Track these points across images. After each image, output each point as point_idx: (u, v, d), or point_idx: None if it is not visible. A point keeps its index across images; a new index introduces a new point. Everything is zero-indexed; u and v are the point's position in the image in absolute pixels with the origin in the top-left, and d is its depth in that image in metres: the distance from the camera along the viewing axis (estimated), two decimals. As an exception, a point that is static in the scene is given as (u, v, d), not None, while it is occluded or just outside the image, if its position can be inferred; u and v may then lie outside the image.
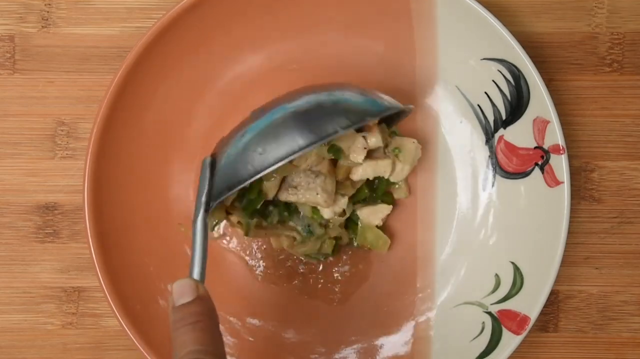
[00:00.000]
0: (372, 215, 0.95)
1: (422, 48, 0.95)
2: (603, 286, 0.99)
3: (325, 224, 0.95)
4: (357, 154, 0.88)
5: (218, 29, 0.94)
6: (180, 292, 0.73)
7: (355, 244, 0.97)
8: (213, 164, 0.79)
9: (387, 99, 0.86)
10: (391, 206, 0.96)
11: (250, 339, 0.96)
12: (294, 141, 0.77)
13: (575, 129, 0.98)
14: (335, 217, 0.93)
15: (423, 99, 0.96)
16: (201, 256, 0.76)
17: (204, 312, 0.72)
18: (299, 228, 0.94)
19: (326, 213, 0.92)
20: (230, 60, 0.96)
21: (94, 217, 0.91)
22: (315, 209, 0.92)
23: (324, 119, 0.79)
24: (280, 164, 0.77)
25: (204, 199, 0.77)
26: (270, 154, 0.77)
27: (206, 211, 0.77)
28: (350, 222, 0.96)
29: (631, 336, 0.99)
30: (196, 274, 0.76)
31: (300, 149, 0.77)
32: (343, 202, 0.92)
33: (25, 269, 0.99)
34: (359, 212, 0.95)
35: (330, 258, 0.97)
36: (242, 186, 0.78)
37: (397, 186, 0.95)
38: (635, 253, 0.99)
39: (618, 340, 0.99)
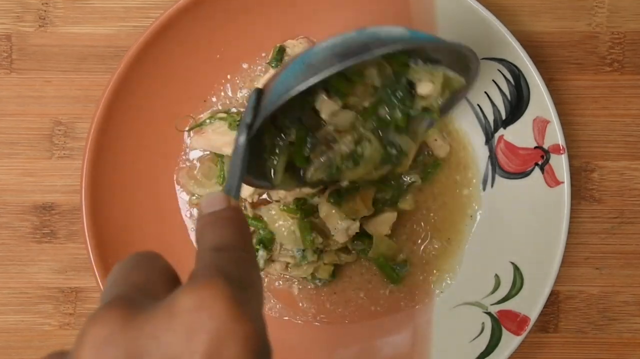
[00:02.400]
0: (380, 225, 0.95)
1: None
2: (603, 287, 0.99)
3: (321, 250, 0.95)
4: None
5: (216, 28, 0.94)
6: (210, 203, 0.63)
7: (367, 255, 0.97)
8: (259, 93, 0.74)
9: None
10: (396, 213, 0.96)
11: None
12: (345, 55, 0.72)
13: (576, 128, 0.98)
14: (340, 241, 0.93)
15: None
16: (239, 175, 0.68)
17: (236, 217, 0.62)
18: (294, 252, 0.94)
19: (340, 237, 0.92)
20: (228, 59, 0.96)
21: (91, 217, 0.90)
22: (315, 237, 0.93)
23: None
24: (328, 73, 0.71)
25: (248, 120, 0.72)
26: (318, 66, 0.72)
27: (249, 130, 0.71)
28: (363, 236, 0.96)
29: (632, 336, 0.99)
30: (230, 192, 0.67)
31: (351, 60, 0.71)
32: (355, 226, 0.92)
33: (22, 269, 0.99)
34: (366, 227, 0.95)
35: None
36: (289, 95, 0.72)
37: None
38: (636, 253, 0.99)
39: (618, 341, 0.99)
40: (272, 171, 0.81)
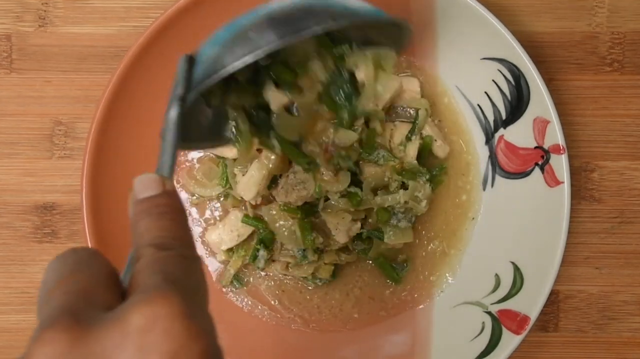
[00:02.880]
0: None
1: (422, 48, 0.95)
2: (603, 286, 0.99)
3: (321, 250, 0.95)
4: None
5: (216, 28, 0.93)
6: (143, 186, 0.59)
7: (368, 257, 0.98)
8: (191, 60, 0.70)
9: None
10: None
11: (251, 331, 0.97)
12: (294, 24, 0.67)
13: (576, 129, 0.98)
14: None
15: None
16: (171, 153, 0.64)
17: (172, 204, 0.59)
18: (294, 252, 0.94)
19: (341, 237, 0.92)
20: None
21: (92, 217, 0.90)
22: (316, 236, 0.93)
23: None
24: (274, 47, 0.66)
25: (179, 91, 0.67)
26: (264, 38, 0.67)
27: (181, 103, 0.67)
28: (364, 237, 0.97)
29: (631, 335, 0.99)
30: (162, 170, 0.63)
31: (300, 32, 0.67)
32: (356, 227, 0.93)
33: (23, 269, 0.99)
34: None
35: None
36: (226, 72, 0.68)
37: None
38: (636, 253, 0.99)
39: (618, 340, 0.99)
40: (234, 129, 0.78)
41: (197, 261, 0.56)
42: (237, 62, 0.66)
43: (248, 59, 0.66)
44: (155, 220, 0.57)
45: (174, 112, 0.66)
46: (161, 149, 0.64)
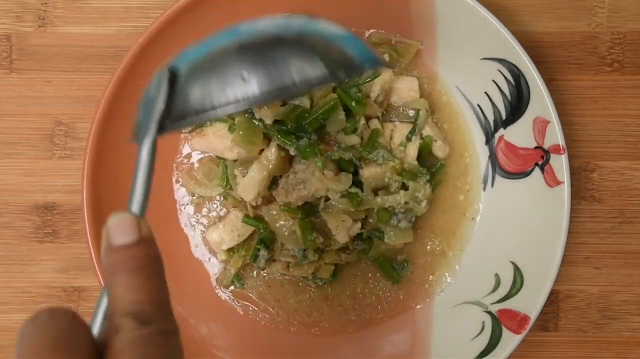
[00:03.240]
0: None
1: (422, 48, 0.96)
2: (603, 286, 0.99)
3: (322, 250, 0.96)
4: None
5: (216, 28, 0.93)
6: (118, 229, 0.57)
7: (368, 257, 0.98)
8: (173, 78, 0.62)
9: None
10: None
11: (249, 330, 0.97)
12: (290, 73, 0.61)
13: (576, 129, 0.98)
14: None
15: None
16: (144, 185, 0.60)
17: (149, 256, 0.57)
18: (295, 251, 0.95)
19: (341, 237, 0.92)
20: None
21: (92, 217, 0.90)
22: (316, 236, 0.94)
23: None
24: (270, 98, 0.62)
25: (157, 116, 0.61)
26: (258, 85, 0.60)
27: (159, 132, 0.61)
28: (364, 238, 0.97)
29: (631, 335, 0.99)
30: (136, 208, 0.59)
31: (297, 85, 0.61)
32: (357, 227, 0.93)
33: (24, 269, 0.99)
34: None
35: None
36: (215, 117, 0.62)
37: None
38: (635, 253, 0.99)
39: (618, 340, 0.99)
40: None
41: (176, 333, 0.55)
42: (219, 111, 0.61)
43: (230, 109, 0.61)
44: (133, 278, 0.55)
45: (149, 141, 0.61)
46: (133, 182, 0.60)
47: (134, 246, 0.57)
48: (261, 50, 0.62)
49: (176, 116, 0.62)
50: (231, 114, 0.66)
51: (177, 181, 0.98)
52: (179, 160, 0.97)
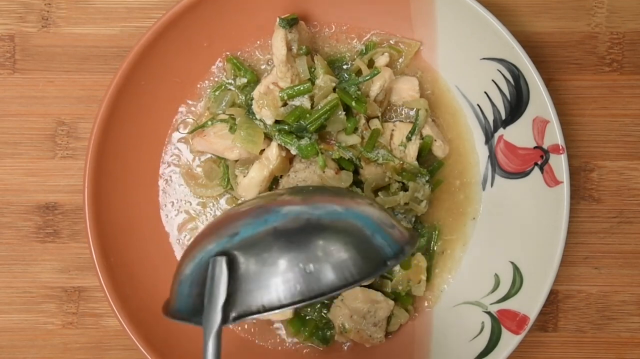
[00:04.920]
0: None
1: (422, 48, 0.96)
2: (602, 286, 0.99)
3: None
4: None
5: (218, 28, 0.94)
6: None
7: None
8: (231, 263, 0.66)
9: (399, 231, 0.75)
10: None
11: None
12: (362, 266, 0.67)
13: (575, 128, 0.98)
14: None
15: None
16: None
17: None
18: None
19: None
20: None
21: (94, 217, 0.91)
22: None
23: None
24: (339, 292, 0.67)
25: (220, 307, 0.65)
26: (325, 277, 0.66)
27: (223, 323, 0.65)
28: None
29: (630, 335, 0.99)
30: None
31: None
32: None
33: (25, 269, 0.99)
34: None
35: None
36: (285, 309, 0.67)
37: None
38: (635, 253, 0.99)
39: (617, 340, 0.99)
40: None
41: None
42: (276, 309, 0.66)
43: (286, 309, 0.66)
44: None
45: (215, 335, 0.65)
46: None
47: None
48: (298, 242, 0.67)
49: (241, 307, 0.66)
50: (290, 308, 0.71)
51: (179, 184, 0.98)
52: (180, 160, 0.97)
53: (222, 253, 0.67)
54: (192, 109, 0.97)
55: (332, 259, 0.66)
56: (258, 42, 0.96)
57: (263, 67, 0.97)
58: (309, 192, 0.79)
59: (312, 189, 0.83)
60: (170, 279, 0.95)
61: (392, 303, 0.93)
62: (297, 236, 0.67)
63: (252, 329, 0.96)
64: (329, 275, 0.66)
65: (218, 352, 0.64)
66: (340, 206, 0.71)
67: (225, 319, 0.65)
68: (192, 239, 0.72)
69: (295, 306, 0.65)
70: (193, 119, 0.96)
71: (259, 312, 0.65)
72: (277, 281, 0.65)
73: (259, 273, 0.66)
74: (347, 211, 0.71)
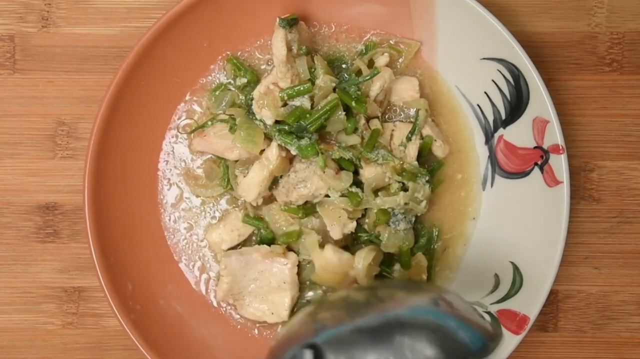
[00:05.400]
0: None
1: (422, 48, 0.96)
2: (602, 286, 0.99)
3: None
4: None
5: (218, 28, 0.94)
6: None
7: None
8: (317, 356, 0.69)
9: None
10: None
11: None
12: None
13: (575, 128, 0.98)
14: None
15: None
16: None
17: None
18: None
19: (335, 234, 0.93)
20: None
21: (94, 217, 0.91)
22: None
23: None
24: None
25: None
26: None
27: None
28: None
29: (630, 335, 0.99)
30: None
31: None
32: (352, 225, 0.93)
33: (25, 269, 0.99)
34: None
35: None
36: None
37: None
38: (635, 253, 0.99)
39: (617, 340, 0.99)
40: None
41: None
42: None
43: None
44: None
45: None
46: None
47: None
48: (386, 344, 0.68)
49: None
50: None
51: (178, 184, 0.98)
52: (181, 162, 0.97)
53: (309, 346, 0.69)
54: (192, 109, 0.97)
55: (417, 356, 0.67)
56: (258, 42, 0.96)
57: (263, 67, 0.97)
58: (389, 287, 0.81)
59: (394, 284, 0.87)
60: (169, 278, 0.96)
61: None
62: (381, 333, 0.69)
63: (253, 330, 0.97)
64: None
65: None
66: (422, 302, 0.73)
67: None
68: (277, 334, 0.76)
69: None
70: (193, 119, 0.96)
71: None
72: None
73: None
74: (430, 308, 0.72)
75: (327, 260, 0.91)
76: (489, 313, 0.93)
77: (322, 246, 0.92)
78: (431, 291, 0.78)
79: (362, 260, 0.90)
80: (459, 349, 0.68)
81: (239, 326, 0.96)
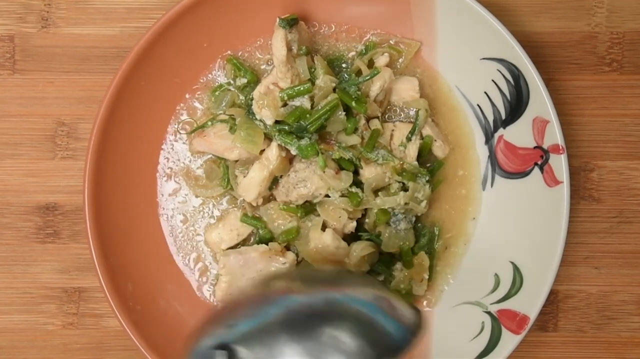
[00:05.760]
0: None
1: (421, 48, 0.96)
2: (602, 286, 0.99)
3: None
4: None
5: (218, 29, 0.94)
6: None
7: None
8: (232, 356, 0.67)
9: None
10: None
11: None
12: None
13: (575, 128, 0.98)
14: None
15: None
16: None
17: None
18: None
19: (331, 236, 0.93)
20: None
21: (94, 217, 0.91)
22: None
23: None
24: None
25: None
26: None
27: None
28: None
29: (630, 335, 0.99)
30: None
31: None
32: (352, 226, 0.93)
33: (25, 269, 0.99)
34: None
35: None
36: None
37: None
38: (635, 253, 0.99)
39: (617, 339, 0.99)
40: None
41: None
42: None
43: None
44: None
45: None
46: None
47: None
48: (304, 332, 0.67)
49: None
50: None
51: (178, 183, 0.98)
52: (182, 164, 0.97)
53: (223, 347, 0.67)
54: (192, 109, 0.97)
55: (341, 346, 0.66)
56: (258, 42, 0.96)
57: (263, 67, 0.97)
58: (306, 277, 0.80)
59: (308, 273, 0.86)
60: (169, 278, 0.96)
61: None
62: (303, 325, 0.68)
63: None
64: None
65: None
66: (339, 293, 0.71)
67: None
68: (195, 331, 0.72)
69: None
70: (193, 120, 0.96)
71: None
72: None
73: None
74: (346, 297, 0.71)
75: (324, 243, 0.91)
76: (489, 312, 0.93)
77: (323, 229, 0.92)
78: (377, 287, 0.78)
79: (359, 251, 0.91)
80: (382, 341, 0.68)
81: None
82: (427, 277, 0.95)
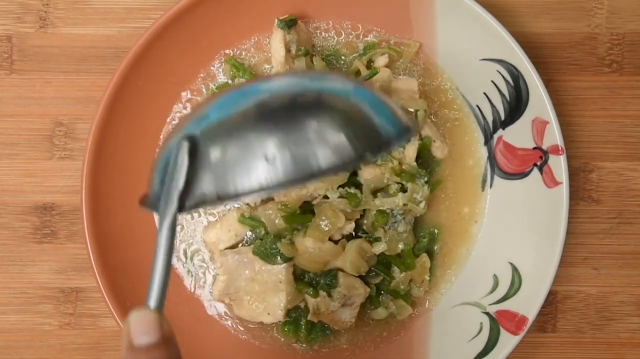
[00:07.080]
0: None
1: (421, 48, 0.96)
2: (601, 287, 0.99)
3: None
4: None
5: (217, 29, 0.94)
6: (140, 328, 0.57)
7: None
8: (193, 149, 0.59)
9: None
10: None
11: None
12: (322, 156, 0.59)
13: (574, 129, 0.98)
14: None
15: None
16: (163, 275, 0.58)
17: (170, 357, 0.58)
18: None
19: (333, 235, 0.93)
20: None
21: (91, 217, 0.91)
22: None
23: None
24: (294, 185, 0.58)
25: (177, 193, 0.58)
26: (283, 168, 0.58)
27: (179, 211, 0.59)
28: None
29: (629, 336, 0.99)
30: (155, 300, 0.58)
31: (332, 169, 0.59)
32: (350, 227, 0.93)
33: (22, 269, 0.99)
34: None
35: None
36: (238, 201, 0.64)
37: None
38: (634, 254, 0.99)
39: (616, 340, 0.99)
40: None
41: None
42: (243, 198, 0.59)
43: (254, 196, 0.59)
44: None
45: (169, 221, 0.59)
46: (153, 268, 0.59)
47: (156, 346, 0.57)
48: (283, 123, 0.59)
49: (196, 195, 0.59)
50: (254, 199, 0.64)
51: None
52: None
53: (188, 137, 0.60)
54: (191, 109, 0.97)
55: (325, 137, 0.59)
56: (257, 42, 0.96)
57: (262, 67, 0.97)
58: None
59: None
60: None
61: (368, 290, 0.94)
62: (279, 117, 0.59)
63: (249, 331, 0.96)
64: (321, 153, 0.58)
65: (171, 242, 0.59)
66: (324, 83, 0.63)
67: (181, 208, 0.59)
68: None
69: (276, 190, 0.59)
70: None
71: (218, 198, 0.58)
72: (257, 165, 0.58)
73: (231, 158, 0.59)
74: (332, 88, 0.63)
75: (306, 248, 0.91)
76: (487, 313, 0.93)
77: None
78: (370, 85, 0.71)
79: (353, 249, 0.91)
80: (370, 135, 0.60)
81: (235, 327, 0.96)
82: (428, 278, 0.95)
